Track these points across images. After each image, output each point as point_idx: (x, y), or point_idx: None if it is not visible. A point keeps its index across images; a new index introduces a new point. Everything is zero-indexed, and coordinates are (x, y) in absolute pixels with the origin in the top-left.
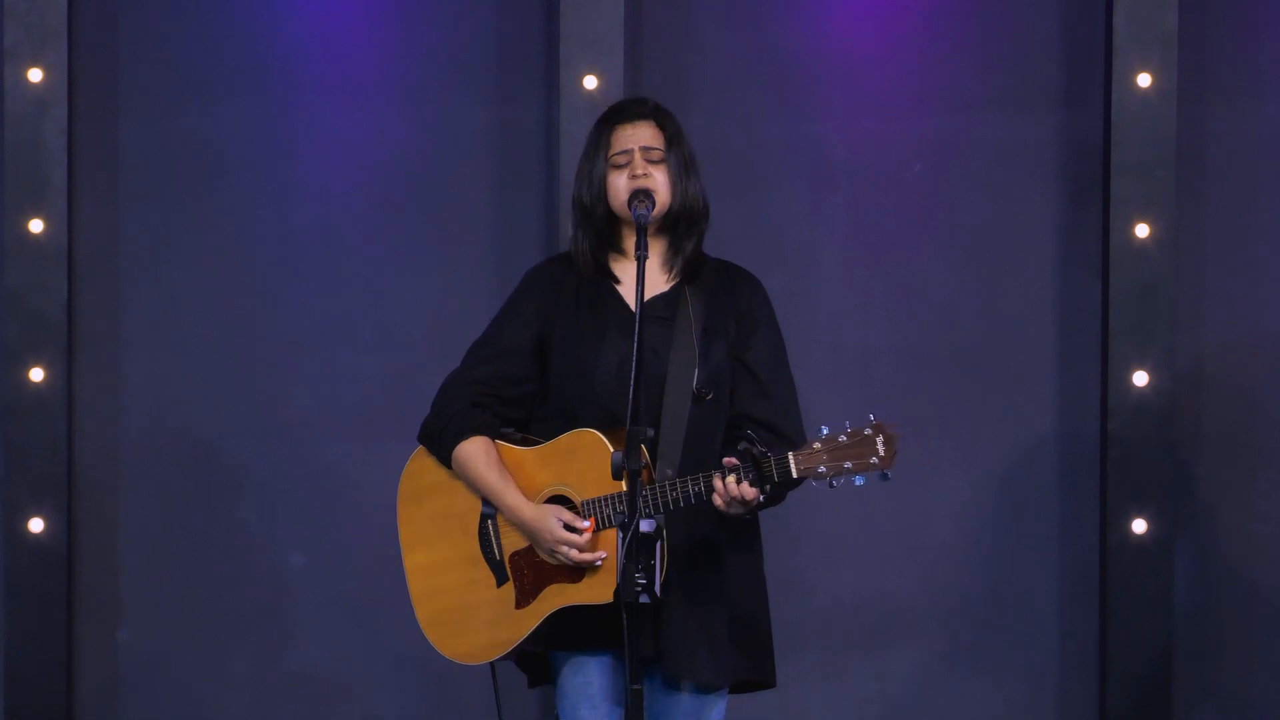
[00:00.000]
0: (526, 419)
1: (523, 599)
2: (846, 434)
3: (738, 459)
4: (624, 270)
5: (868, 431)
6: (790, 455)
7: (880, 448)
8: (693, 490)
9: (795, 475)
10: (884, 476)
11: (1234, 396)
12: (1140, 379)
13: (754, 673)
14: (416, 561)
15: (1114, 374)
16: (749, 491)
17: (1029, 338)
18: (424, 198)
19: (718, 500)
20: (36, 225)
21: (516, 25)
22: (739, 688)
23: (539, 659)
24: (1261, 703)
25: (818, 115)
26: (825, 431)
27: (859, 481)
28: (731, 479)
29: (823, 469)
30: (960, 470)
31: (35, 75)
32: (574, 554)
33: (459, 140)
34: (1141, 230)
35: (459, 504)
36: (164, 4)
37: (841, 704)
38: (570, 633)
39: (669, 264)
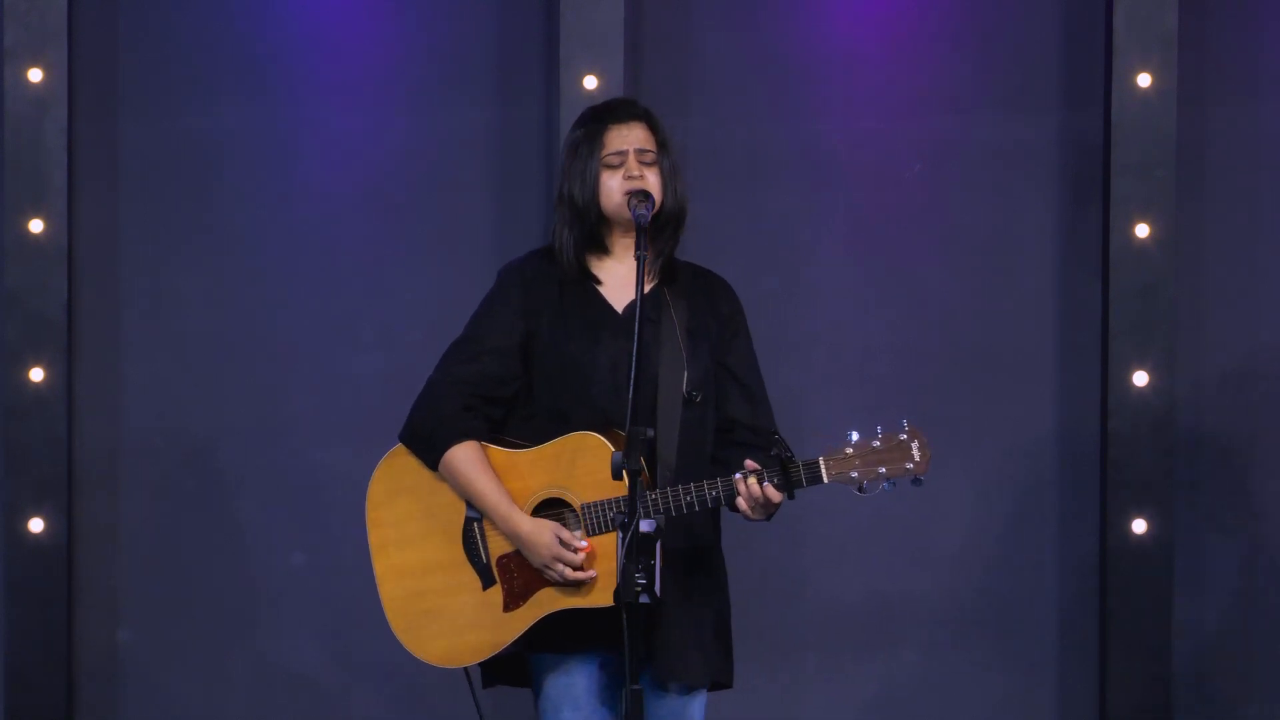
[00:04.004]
0: (505, 418)
1: (512, 602)
2: (879, 439)
3: (763, 463)
4: (604, 271)
5: (902, 437)
6: (821, 460)
7: (916, 453)
8: (710, 495)
9: (826, 480)
10: (917, 481)
11: (1234, 396)
12: (1140, 379)
13: (725, 674)
14: (389, 564)
15: (1114, 374)
16: (774, 495)
17: (1029, 338)
18: (424, 198)
19: (742, 504)
20: (36, 225)
21: (516, 25)
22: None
23: (504, 660)
24: (1261, 703)
25: (818, 115)
26: (855, 436)
27: (888, 487)
28: (753, 480)
29: (855, 474)
30: (961, 470)
31: (35, 75)
32: (568, 572)
33: (459, 140)
34: (1141, 230)
35: (440, 506)
36: (164, 4)
37: (841, 704)
38: (555, 635)
39: (650, 266)
